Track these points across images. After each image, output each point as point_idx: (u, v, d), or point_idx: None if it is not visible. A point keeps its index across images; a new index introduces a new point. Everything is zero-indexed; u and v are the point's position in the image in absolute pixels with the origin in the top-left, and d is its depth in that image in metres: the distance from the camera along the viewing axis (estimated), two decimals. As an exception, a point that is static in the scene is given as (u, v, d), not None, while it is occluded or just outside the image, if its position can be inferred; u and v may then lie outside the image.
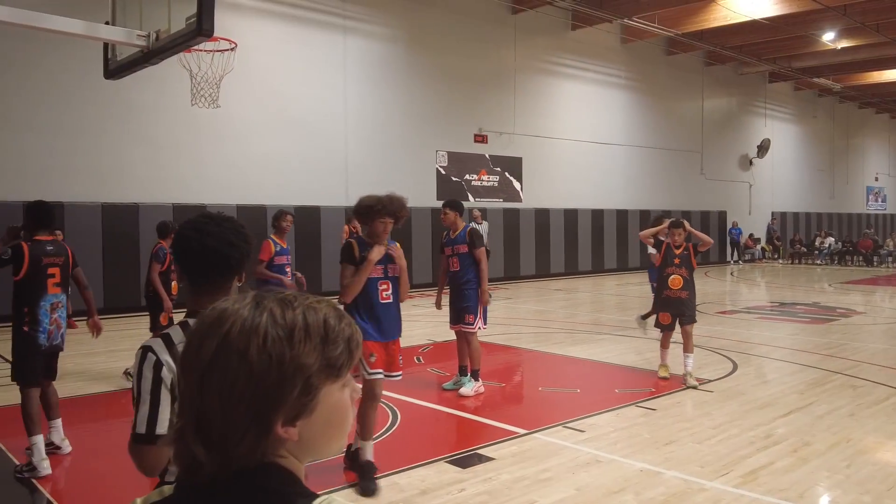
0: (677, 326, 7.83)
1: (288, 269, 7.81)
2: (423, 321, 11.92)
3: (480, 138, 20.25)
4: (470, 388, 7.34)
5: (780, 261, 29.98)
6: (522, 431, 5.99)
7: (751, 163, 30.51)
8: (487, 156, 20.44)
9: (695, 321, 7.93)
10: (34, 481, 4.94)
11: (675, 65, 26.11)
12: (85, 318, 5.78)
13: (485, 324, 7.53)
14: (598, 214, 23.06)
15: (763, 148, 30.52)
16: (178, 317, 2.32)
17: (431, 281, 16.31)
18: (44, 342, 5.17)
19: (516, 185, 21.21)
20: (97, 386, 7.81)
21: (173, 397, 2.06)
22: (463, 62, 19.61)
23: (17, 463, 5.20)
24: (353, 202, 17.65)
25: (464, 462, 5.25)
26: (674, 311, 7.79)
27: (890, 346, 10.47)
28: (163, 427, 2.03)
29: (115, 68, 5.62)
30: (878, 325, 12.54)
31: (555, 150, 22.11)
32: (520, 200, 21.20)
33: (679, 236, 7.77)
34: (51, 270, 5.20)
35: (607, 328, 12.00)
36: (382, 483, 4.85)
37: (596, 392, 7.61)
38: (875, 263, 27.06)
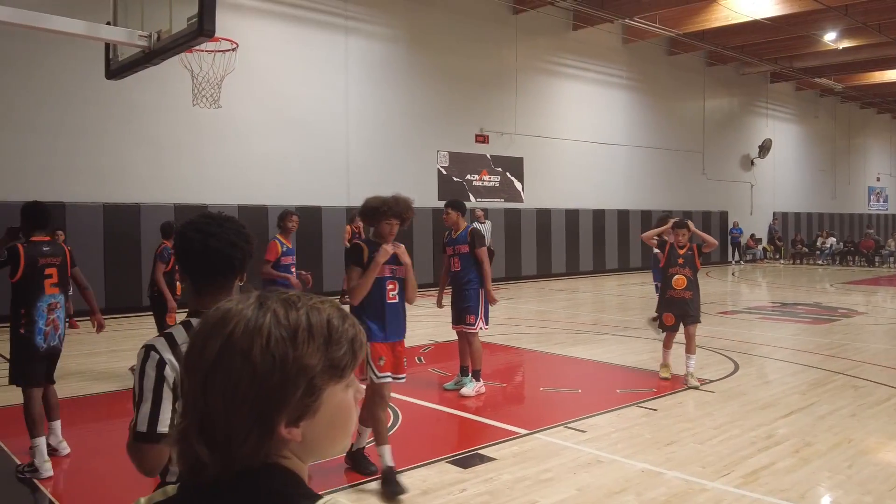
0: (680, 328, 7.82)
1: (293, 269, 7.81)
2: (425, 321, 11.92)
3: (482, 138, 20.26)
4: (471, 388, 7.34)
5: (782, 261, 29.96)
6: (524, 432, 5.99)
7: (752, 163, 30.50)
8: (489, 156, 20.44)
9: (699, 322, 7.90)
10: (36, 481, 4.95)
11: (677, 65, 26.10)
12: (86, 318, 5.78)
13: (486, 324, 7.53)
14: (599, 215, 23.05)
15: (764, 148, 30.50)
16: (182, 317, 2.32)
17: (433, 281, 16.30)
18: (40, 344, 5.13)
19: (517, 185, 21.20)
20: (99, 386, 7.81)
21: (175, 396, 2.06)
22: (464, 62, 19.61)
23: (19, 463, 5.21)
24: (354, 202, 17.72)
25: (465, 462, 5.25)
26: (677, 311, 7.76)
27: (891, 346, 10.46)
28: (164, 426, 2.03)
29: (117, 68, 5.63)
30: (880, 325, 12.53)
31: (556, 151, 22.11)
32: (521, 201, 21.20)
33: (683, 236, 7.74)
34: (48, 271, 5.17)
35: (608, 328, 11.99)
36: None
37: (597, 392, 7.61)
38: (877, 264, 27.04)
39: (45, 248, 5.21)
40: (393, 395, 6.81)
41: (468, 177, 19.92)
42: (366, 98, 17.69)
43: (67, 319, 5.53)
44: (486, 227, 15.75)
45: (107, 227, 13.56)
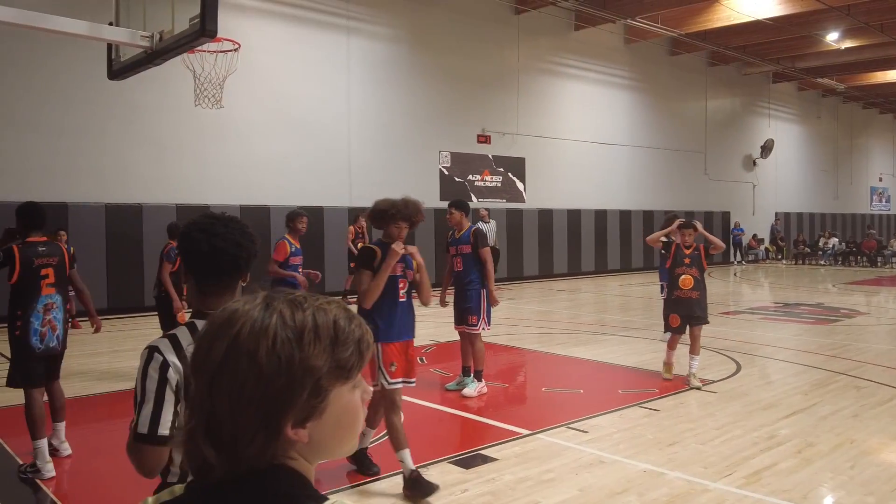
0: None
1: (300, 270, 7.82)
2: (427, 321, 11.91)
3: (483, 139, 20.25)
4: (473, 388, 7.34)
5: (784, 261, 29.94)
6: (526, 432, 5.99)
7: (754, 163, 30.47)
8: (490, 156, 20.44)
9: (706, 322, 7.87)
10: (38, 481, 4.95)
11: (679, 65, 26.08)
12: (86, 317, 5.76)
13: (488, 325, 7.53)
14: (601, 215, 23.04)
15: (766, 148, 30.48)
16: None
17: (434, 281, 16.29)
18: (37, 344, 5.09)
19: (519, 185, 21.20)
20: (101, 386, 7.82)
21: (177, 399, 2.06)
22: (466, 62, 19.61)
23: (21, 463, 5.21)
24: (356, 203, 17.73)
25: (467, 462, 5.25)
26: (684, 311, 7.68)
27: (894, 346, 10.45)
28: (165, 428, 2.03)
29: (119, 69, 5.63)
30: (882, 325, 12.51)
31: (558, 151, 22.10)
32: (523, 201, 21.20)
33: (689, 236, 7.71)
34: (44, 271, 5.13)
35: (610, 329, 11.99)
36: (384, 483, 4.86)
37: (599, 393, 7.60)
38: (879, 264, 27.01)
39: (41, 249, 5.17)
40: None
41: (470, 177, 19.92)
42: (367, 98, 17.70)
43: (69, 320, 5.49)
44: (490, 227, 15.73)
45: (109, 228, 13.57)
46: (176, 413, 2.06)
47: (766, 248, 30.59)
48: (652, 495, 4.59)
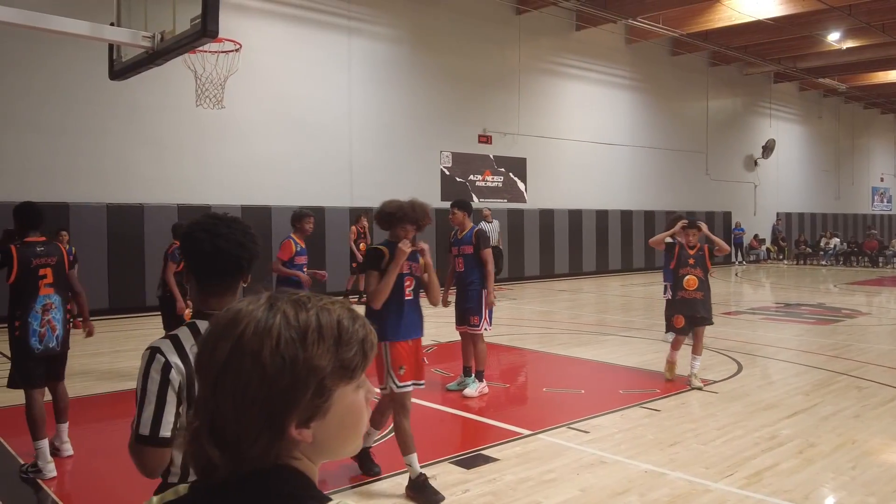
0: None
1: (305, 269, 7.84)
2: (428, 321, 11.87)
3: (485, 139, 20.25)
4: (474, 388, 7.34)
5: (785, 261, 29.92)
6: (527, 432, 5.99)
7: (756, 163, 30.46)
8: (492, 156, 20.43)
9: (710, 323, 7.84)
10: (39, 481, 4.95)
11: (680, 65, 26.07)
12: (90, 318, 5.74)
13: (490, 325, 7.53)
14: (602, 215, 23.04)
15: (768, 148, 30.46)
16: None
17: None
18: (36, 345, 5.06)
19: (520, 185, 21.20)
20: (102, 386, 7.82)
21: (179, 400, 2.06)
22: (467, 63, 19.61)
23: (23, 463, 5.22)
24: (357, 203, 17.70)
25: (468, 463, 5.25)
26: (688, 312, 7.65)
27: (895, 347, 10.44)
28: (167, 429, 2.03)
29: (121, 69, 5.63)
30: (884, 325, 12.50)
31: (559, 151, 22.10)
32: (524, 201, 21.19)
33: (693, 237, 7.68)
34: (42, 271, 5.10)
35: (612, 329, 11.99)
36: (386, 484, 4.86)
37: (600, 393, 7.60)
38: (880, 264, 26.99)
39: (38, 249, 5.13)
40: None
41: (471, 177, 19.92)
42: (369, 99, 17.70)
43: (71, 320, 5.47)
44: (493, 227, 15.71)
45: (110, 228, 13.58)
46: (178, 414, 2.06)
47: (768, 249, 30.58)
48: (653, 496, 4.59)
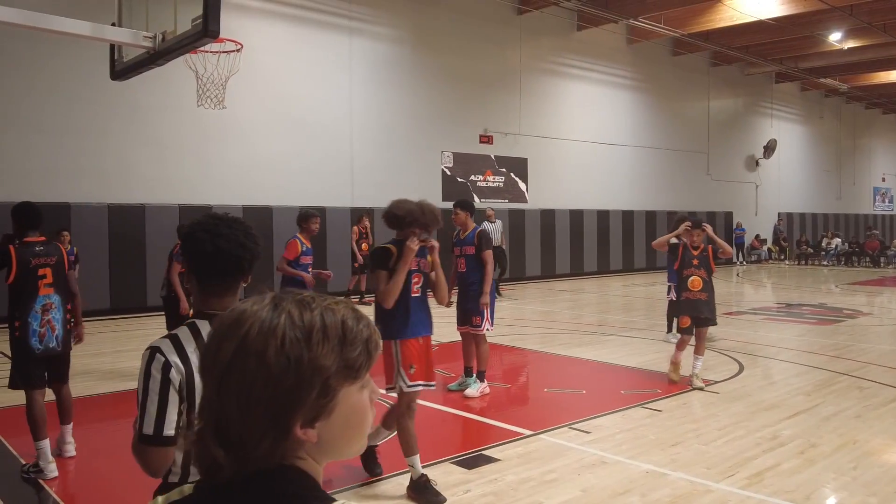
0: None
1: (310, 269, 7.85)
2: (429, 322, 11.91)
3: (486, 139, 20.25)
4: (475, 389, 7.34)
5: (787, 262, 29.90)
6: (528, 432, 5.98)
7: (757, 163, 30.45)
8: (493, 156, 20.43)
9: (714, 323, 7.84)
10: (40, 481, 4.95)
11: (681, 65, 26.06)
12: (91, 318, 5.73)
13: (492, 325, 7.53)
14: (603, 215, 23.03)
15: (769, 148, 30.44)
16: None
17: (437, 282, 16.27)
18: (36, 345, 5.05)
19: (522, 185, 21.20)
20: (104, 386, 7.83)
21: (181, 399, 2.06)
22: (468, 63, 19.61)
23: (24, 463, 5.22)
24: (358, 203, 17.65)
25: (469, 463, 5.25)
26: (692, 313, 7.63)
27: (897, 347, 10.43)
28: (170, 429, 2.03)
29: (122, 69, 5.63)
30: (885, 326, 12.49)
31: (560, 151, 22.09)
32: (525, 201, 21.19)
33: (698, 237, 7.68)
34: (41, 271, 5.08)
35: (613, 329, 11.98)
36: (388, 484, 4.86)
37: (601, 393, 7.60)
38: (882, 264, 26.97)
39: (37, 249, 5.11)
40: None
41: (472, 177, 19.92)
42: (370, 99, 17.70)
43: (71, 320, 5.45)
44: (496, 227, 15.67)
45: (111, 228, 13.59)
46: (180, 413, 2.06)
47: (769, 249, 30.56)
48: (654, 496, 4.59)
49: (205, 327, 2.15)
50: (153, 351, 2.07)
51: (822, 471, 5.06)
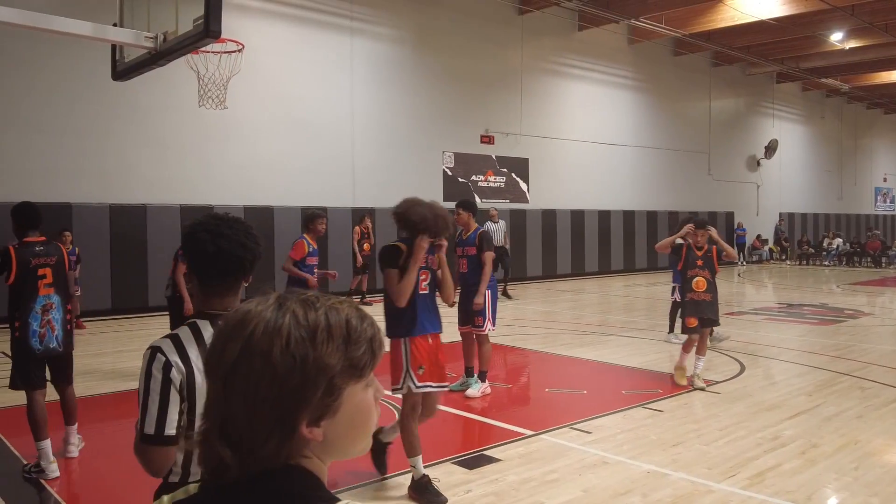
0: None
1: (316, 270, 7.87)
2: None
3: (487, 139, 20.25)
4: (476, 389, 7.34)
5: (788, 262, 29.89)
6: (529, 433, 5.99)
7: (758, 163, 30.43)
8: (494, 156, 20.43)
9: (717, 324, 7.85)
10: (42, 481, 4.96)
11: (683, 65, 26.05)
12: (92, 318, 5.74)
13: (494, 325, 7.53)
14: (604, 215, 23.02)
15: (771, 149, 30.43)
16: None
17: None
18: (36, 345, 5.03)
19: (523, 185, 21.19)
20: (105, 386, 7.83)
21: (182, 398, 2.06)
22: (470, 63, 19.61)
23: (26, 462, 5.22)
24: (359, 203, 17.60)
25: (471, 463, 5.25)
26: (697, 313, 7.61)
27: (898, 347, 10.42)
28: (171, 428, 2.04)
29: (123, 70, 5.63)
30: (887, 326, 12.48)
31: (561, 151, 22.09)
32: (526, 201, 21.19)
33: (702, 237, 7.67)
34: (41, 271, 5.06)
35: (614, 329, 11.98)
36: (389, 484, 4.86)
37: (603, 393, 7.60)
38: (883, 265, 26.95)
39: (37, 249, 5.10)
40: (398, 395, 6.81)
41: (473, 177, 19.92)
42: (371, 99, 17.70)
43: (72, 320, 5.44)
44: (499, 227, 15.63)
45: (113, 228, 13.59)
46: (181, 413, 2.07)
47: (771, 249, 30.54)
48: (656, 496, 4.59)
49: (205, 327, 2.15)
50: (154, 351, 2.08)
51: (824, 471, 5.06)
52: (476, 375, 7.48)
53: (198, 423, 2.05)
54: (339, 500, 0.98)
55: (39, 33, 6.72)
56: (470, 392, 7.31)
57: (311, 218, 7.83)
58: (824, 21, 21.89)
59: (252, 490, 0.96)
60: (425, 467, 4.72)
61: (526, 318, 13.27)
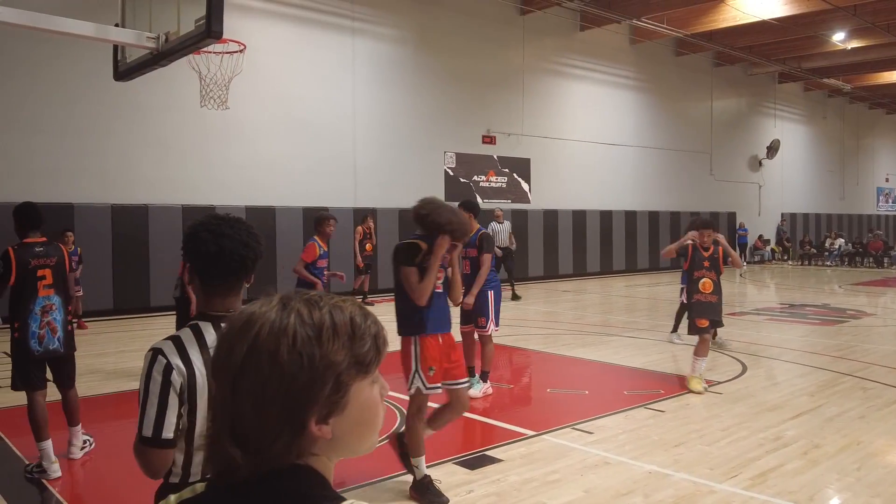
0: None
1: (326, 272, 7.89)
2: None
3: (488, 139, 20.25)
4: (478, 389, 7.33)
5: (790, 262, 29.85)
6: (531, 433, 5.98)
7: (760, 164, 30.40)
8: (495, 157, 20.43)
9: (721, 325, 7.86)
10: (44, 481, 4.96)
11: (684, 65, 26.04)
12: (94, 319, 5.74)
13: (497, 326, 7.53)
14: (606, 216, 23.02)
15: (772, 149, 30.40)
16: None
17: (439, 282, 16.27)
18: (35, 347, 5.02)
19: (524, 186, 21.18)
20: (107, 386, 7.84)
21: (181, 401, 2.06)
22: (471, 63, 19.61)
23: (28, 462, 5.23)
24: (361, 203, 17.62)
25: (472, 463, 5.25)
26: (703, 315, 7.59)
27: (901, 347, 10.41)
28: (169, 431, 2.04)
29: (125, 70, 5.64)
30: (889, 326, 12.47)
31: (563, 151, 22.08)
32: (528, 202, 21.18)
33: (708, 237, 7.66)
34: (41, 272, 5.05)
35: (616, 330, 11.97)
36: (390, 483, 4.86)
37: (604, 394, 7.59)
38: (885, 265, 26.92)
39: (37, 249, 5.08)
40: (398, 395, 6.80)
41: (475, 178, 19.91)
42: (373, 99, 17.71)
43: (75, 321, 5.44)
44: (504, 227, 15.60)
45: (114, 229, 13.60)
46: (180, 415, 2.07)
47: (772, 249, 30.51)
48: (657, 496, 4.58)
49: (207, 329, 2.15)
50: (155, 353, 2.08)
51: (826, 472, 5.05)
52: (478, 375, 7.47)
53: (199, 424, 2.06)
54: (344, 499, 0.99)
55: (41, 34, 6.73)
56: (471, 392, 7.28)
57: (319, 220, 7.85)
58: (826, 21, 21.87)
59: (259, 489, 0.97)
60: (427, 467, 4.72)
61: (528, 319, 13.26)
